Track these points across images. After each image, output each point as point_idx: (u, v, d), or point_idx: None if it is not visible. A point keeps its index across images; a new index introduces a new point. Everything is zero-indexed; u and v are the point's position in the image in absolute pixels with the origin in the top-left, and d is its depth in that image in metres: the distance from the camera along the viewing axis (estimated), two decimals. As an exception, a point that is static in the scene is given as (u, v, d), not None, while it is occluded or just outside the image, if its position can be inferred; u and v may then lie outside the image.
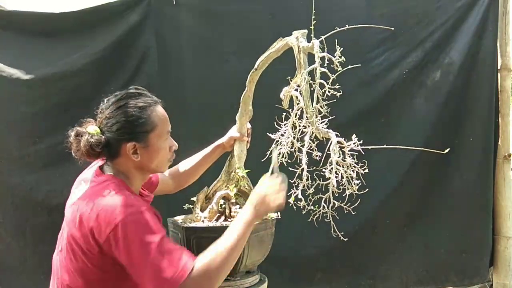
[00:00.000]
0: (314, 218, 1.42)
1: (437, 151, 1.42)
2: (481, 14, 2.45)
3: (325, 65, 1.42)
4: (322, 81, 1.39)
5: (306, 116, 1.46)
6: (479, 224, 2.53)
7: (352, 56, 2.47)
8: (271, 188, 1.30)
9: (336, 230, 1.43)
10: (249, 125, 1.79)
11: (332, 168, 1.37)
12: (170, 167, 1.52)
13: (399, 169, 2.52)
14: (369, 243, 2.54)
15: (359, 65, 1.42)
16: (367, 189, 1.43)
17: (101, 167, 1.34)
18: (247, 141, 1.80)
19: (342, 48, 1.41)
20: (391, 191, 2.51)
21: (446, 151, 1.38)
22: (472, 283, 2.61)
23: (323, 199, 1.40)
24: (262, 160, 1.62)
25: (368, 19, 2.46)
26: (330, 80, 1.40)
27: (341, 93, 1.40)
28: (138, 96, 1.32)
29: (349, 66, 1.43)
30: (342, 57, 1.39)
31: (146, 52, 2.49)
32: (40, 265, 2.38)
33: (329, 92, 1.41)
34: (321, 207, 1.43)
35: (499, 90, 2.53)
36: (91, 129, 1.28)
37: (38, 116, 2.47)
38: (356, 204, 1.42)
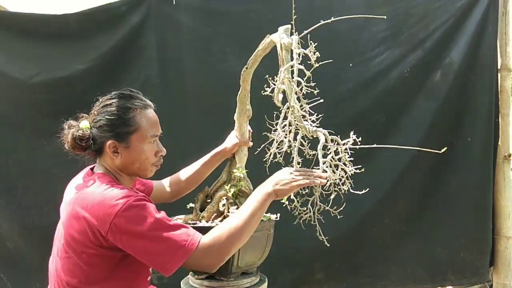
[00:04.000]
0: (323, 216, 1.43)
1: (434, 151, 1.41)
2: (481, 14, 2.45)
3: (319, 62, 1.36)
4: (299, 78, 1.35)
5: (292, 115, 1.42)
6: (479, 224, 2.52)
7: (352, 55, 2.50)
8: (290, 176, 1.35)
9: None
10: (249, 128, 1.79)
11: (329, 166, 1.37)
12: (160, 174, 1.53)
13: (398, 168, 2.51)
14: (368, 242, 2.55)
15: (331, 60, 1.36)
16: (368, 189, 1.43)
17: (91, 168, 1.39)
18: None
19: (316, 43, 1.35)
20: (390, 190, 2.51)
21: (443, 150, 1.37)
22: (472, 283, 2.61)
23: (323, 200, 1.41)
24: (261, 160, 1.62)
25: (368, 19, 2.47)
26: (305, 78, 1.35)
27: (318, 91, 1.36)
28: (128, 98, 1.36)
29: (324, 61, 1.37)
30: (317, 53, 1.35)
31: (146, 52, 2.50)
32: (45, 264, 2.41)
33: (306, 90, 1.37)
34: (320, 208, 1.43)
35: (499, 90, 2.53)
36: (83, 124, 1.34)
37: (44, 120, 2.50)
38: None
